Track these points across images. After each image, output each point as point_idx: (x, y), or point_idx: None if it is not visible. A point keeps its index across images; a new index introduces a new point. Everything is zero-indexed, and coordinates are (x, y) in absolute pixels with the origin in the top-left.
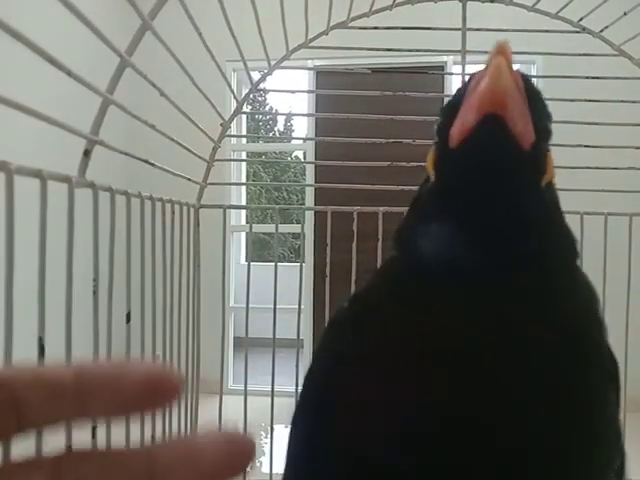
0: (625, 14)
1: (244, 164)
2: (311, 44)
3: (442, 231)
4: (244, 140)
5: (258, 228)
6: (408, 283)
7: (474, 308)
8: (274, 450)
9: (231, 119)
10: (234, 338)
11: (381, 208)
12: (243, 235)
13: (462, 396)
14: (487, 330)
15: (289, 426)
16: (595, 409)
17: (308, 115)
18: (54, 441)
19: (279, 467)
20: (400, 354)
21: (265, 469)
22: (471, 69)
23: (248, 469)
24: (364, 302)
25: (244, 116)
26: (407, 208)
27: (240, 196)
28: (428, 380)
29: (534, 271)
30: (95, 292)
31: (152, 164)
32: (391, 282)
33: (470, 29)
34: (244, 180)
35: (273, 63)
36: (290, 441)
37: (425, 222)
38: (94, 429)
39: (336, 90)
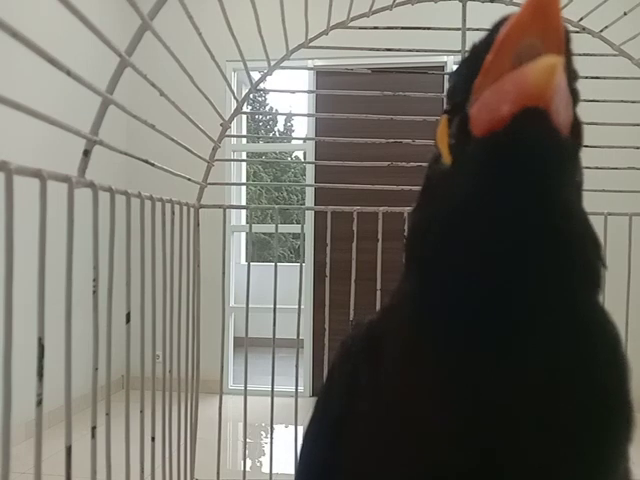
0: (625, 14)
1: (244, 164)
2: (311, 44)
3: (464, 269)
4: (244, 140)
5: (258, 228)
6: (421, 336)
7: (495, 362)
8: (274, 450)
9: (231, 119)
10: (234, 338)
11: (381, 208)
12: (243, 235)
13: (483, 440)
14: (509, 382)
15: (289, 426)
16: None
17: (308, 115)
18: (55, 441)
19: (279, 467)
20: (417, 398)
21: (265, 469)
22: None
23: (248, 469)
24: (379, 336)
25: (244, 116)
26: (409, 207)
27: (240, 196)
28: (449, 426)
29: (567, 324)
30: (95, 292)
31: (152, 164)
32: (405, 324)
33: (470, 29)
34: (244, 180)
35: (273, 63)
36: (300, 469)
37: (445, 235)
38: (94, 429)
39: (336, 90)
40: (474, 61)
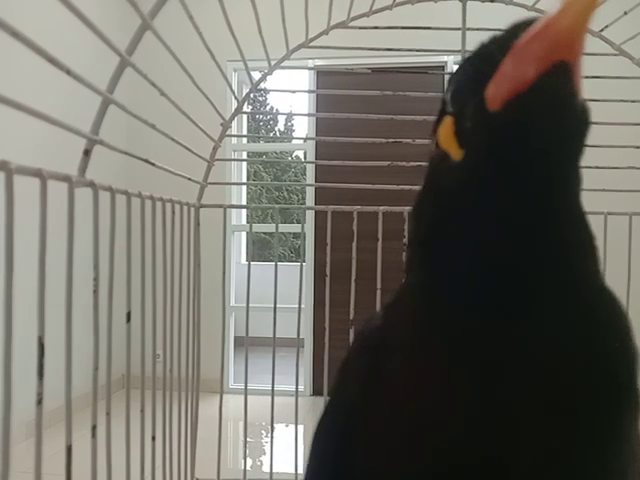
0: (625, 13)
1: (244, 164)
2: (311, 44)
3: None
4: (244, 140)
5: (258, 228)
6: (433, 326)
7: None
8: (274, 449)
9: (231, 119)
10: (234, 337)
11: (381, 208)
12: (243, 235)
13: (490, 431)
14: (521, 373)
15: (289, 425)
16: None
17: (308, 115)
18: (55, 441)
19: (279, 466)
20: (432, 389)
21: (265, 468)
22: None
23: (249, 468)
24: (388, 331)
25: (244, 116)
26: (408, 207)
27: (240, 196)
28: (461, 415)
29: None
30: (95, 291)
31: (152, 164)
32: (416, 319)
33: (470, 29)
34: (244, 180)
35: (273, 63)
36: (310, 466)
37: (458, 232)
38: (94, 429)
39: (336, 90)
40: (484, 61)
